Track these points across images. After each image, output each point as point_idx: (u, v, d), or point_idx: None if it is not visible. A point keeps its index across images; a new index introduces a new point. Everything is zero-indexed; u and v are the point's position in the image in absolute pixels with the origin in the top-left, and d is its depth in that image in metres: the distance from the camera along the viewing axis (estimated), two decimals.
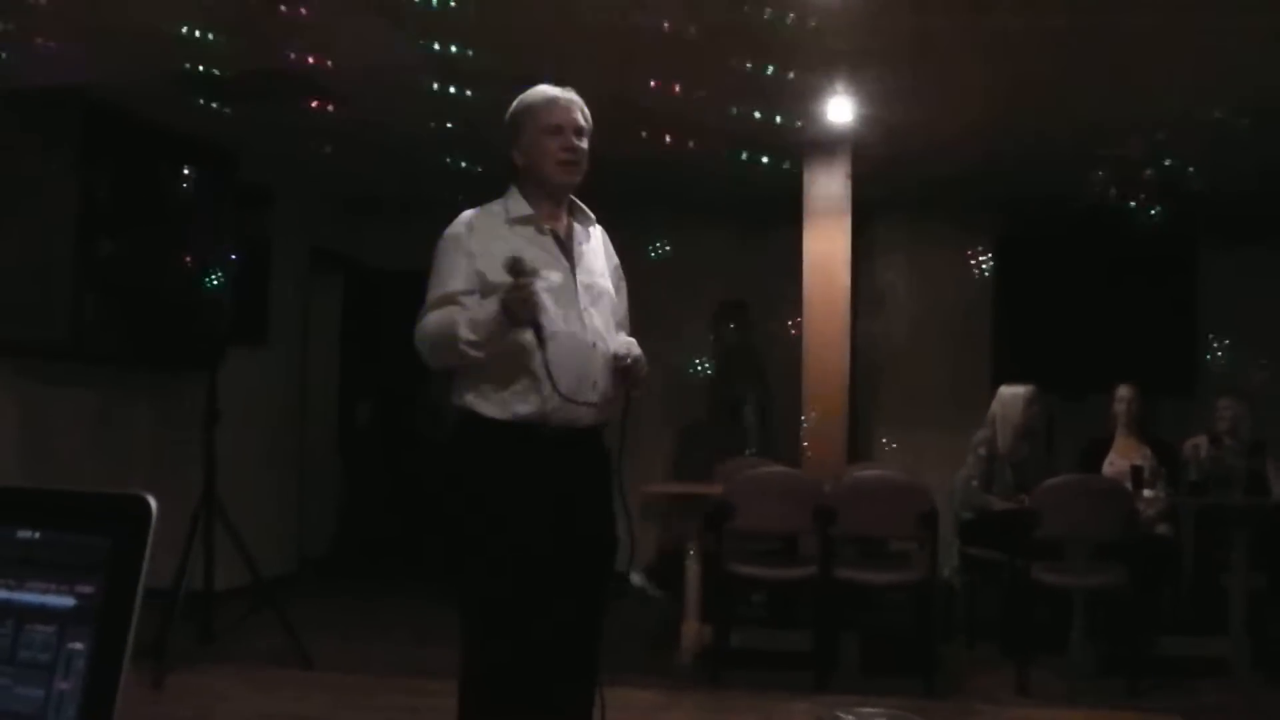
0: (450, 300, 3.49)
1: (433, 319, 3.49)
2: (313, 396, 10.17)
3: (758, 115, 6.98)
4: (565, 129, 3.59)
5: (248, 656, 6.44)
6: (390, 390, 10.02)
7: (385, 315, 9.30)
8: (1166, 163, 7.56)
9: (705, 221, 9.63)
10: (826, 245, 7.76)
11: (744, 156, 7.66)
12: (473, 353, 3.40)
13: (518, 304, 3.35)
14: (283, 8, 5.51)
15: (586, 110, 3.67)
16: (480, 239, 3.52)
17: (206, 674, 6.10)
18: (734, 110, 6.86)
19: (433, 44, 5.99)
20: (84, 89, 6.71)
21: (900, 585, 6.78)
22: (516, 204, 3.61)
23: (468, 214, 3.63)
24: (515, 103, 3.70)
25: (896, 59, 6.37)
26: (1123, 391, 7.63)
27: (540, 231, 3.58)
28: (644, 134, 7.16)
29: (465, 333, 3.39)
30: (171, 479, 7.10)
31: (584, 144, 3.62)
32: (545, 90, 3.67)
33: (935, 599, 6.54)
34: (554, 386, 3.42)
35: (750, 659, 6.68)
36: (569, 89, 3.69)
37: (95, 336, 6.94)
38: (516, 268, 3.38)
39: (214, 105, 6.91)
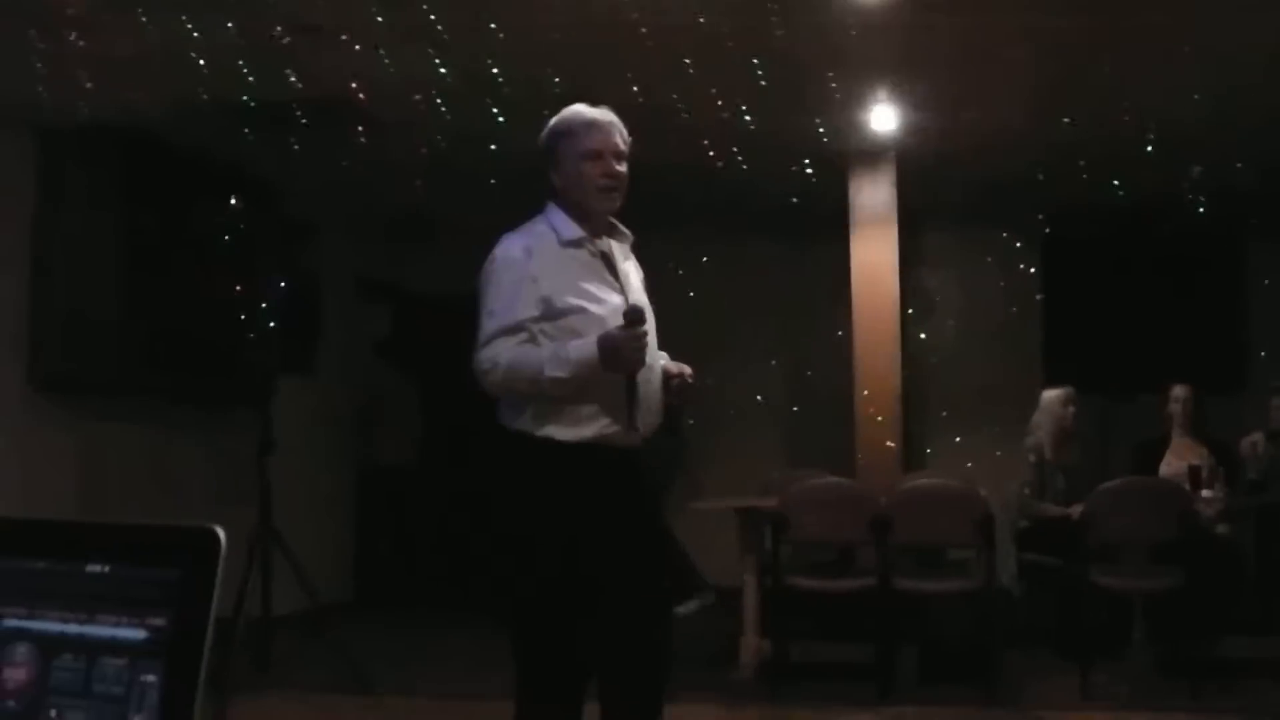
0: (521, 328, 3.39)
1: (506, 348, 3.38)
2: (363, 423, 10.19)
3: (801, 125, 6.96)
4: (605, 154, 3.48)
5: (304, 682, 6.44)
6: (438, 414, 10.01)
7: (432, 340, 9.31)
8: (1212, 159, 7.50)
9: (748, 232, 9.59)
10: (874, 254, 7.73)
11: (782, 166, 7.65)
12: (555, 391, 3.35)
13: (630, 356, 3.34)
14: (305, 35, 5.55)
15: (625, 131, 3.55)
16: (540, 263, 3.43)
17: (263, 701, 6.08)
18: (779, 120, 6.85)
19: (469, 65, 6.01)
20: (126, 123, 6.75)
21: (960, 594, 6.71)
22: (565, 225, 3.51)
23: (517, 237, 3.52)
24: (553, 122, 3.59)
25: (939, 64, 6.33)
26: (1178, 391, 7.50)
27: (592, 254, 3.53)
28: (685, 145, 7.15)
29: (552, 371, 3.32)
30: (225, 511, 7.07)
31: (624, 168, 3.52)
32: (583, 112, 3.55)
33: (995, 606, 6.46)
34: (631, 420, 3.41)
35: (809, 672, 6.63)
36: (606, 109, 3.58)
37: (143, 372, 6.98)
38: (635, 317, 3.35)
39: (256, 137, 6.94)
